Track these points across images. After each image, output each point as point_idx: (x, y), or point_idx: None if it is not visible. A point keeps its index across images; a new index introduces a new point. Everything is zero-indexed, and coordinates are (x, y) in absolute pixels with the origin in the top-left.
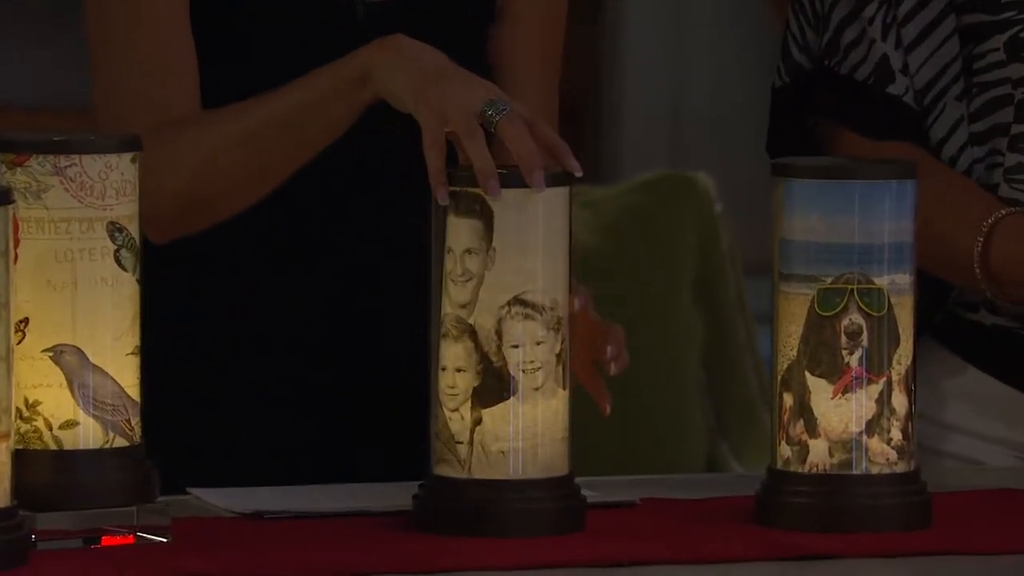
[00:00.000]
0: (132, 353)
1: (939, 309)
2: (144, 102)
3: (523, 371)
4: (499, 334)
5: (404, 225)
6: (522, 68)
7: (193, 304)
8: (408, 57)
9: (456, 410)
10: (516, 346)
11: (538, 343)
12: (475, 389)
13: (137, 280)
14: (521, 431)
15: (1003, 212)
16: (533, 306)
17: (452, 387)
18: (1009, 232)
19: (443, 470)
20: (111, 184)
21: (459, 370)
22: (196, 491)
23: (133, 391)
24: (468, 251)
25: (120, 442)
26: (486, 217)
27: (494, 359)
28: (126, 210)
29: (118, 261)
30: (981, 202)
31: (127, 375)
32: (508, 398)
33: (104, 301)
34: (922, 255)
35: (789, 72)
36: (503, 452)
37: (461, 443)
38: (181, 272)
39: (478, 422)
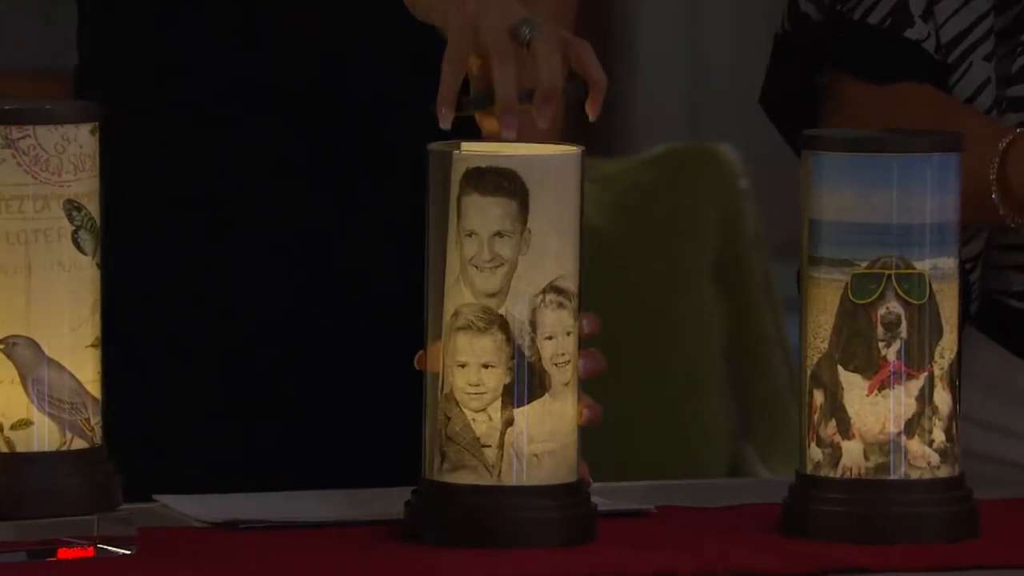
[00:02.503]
0: (92, 345)
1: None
2: None
3: (555, 365)
4: (533, 325)
5: (392, 212)
6: None
7: (163, 295)
8: None
9: (483, 410)
10: (550, 338)
11: (568, 333)
12: (506, 386)
13: (97, 264)
14: (554, 431)
15: (1020, 130)
16: (565, 293)
17: (476, 385)
18: None
19: (462, 477)
20: (68, 158)
21: (486, 366)
22: (163, 498)
23: (93, 387)
24: (498, 234)
25: (79, 444)
26: (520, 195)
27: (528, 353)
28: (85, 187)
29: (76, 243)
30: (994, 127)
31: (87, 369)
32: (543, 395)
33: (61, 287)
34: None
35: (793, 22)
36: (536, 455)
37: (489, 447)
38: (153, 262)
39: (510, 423)
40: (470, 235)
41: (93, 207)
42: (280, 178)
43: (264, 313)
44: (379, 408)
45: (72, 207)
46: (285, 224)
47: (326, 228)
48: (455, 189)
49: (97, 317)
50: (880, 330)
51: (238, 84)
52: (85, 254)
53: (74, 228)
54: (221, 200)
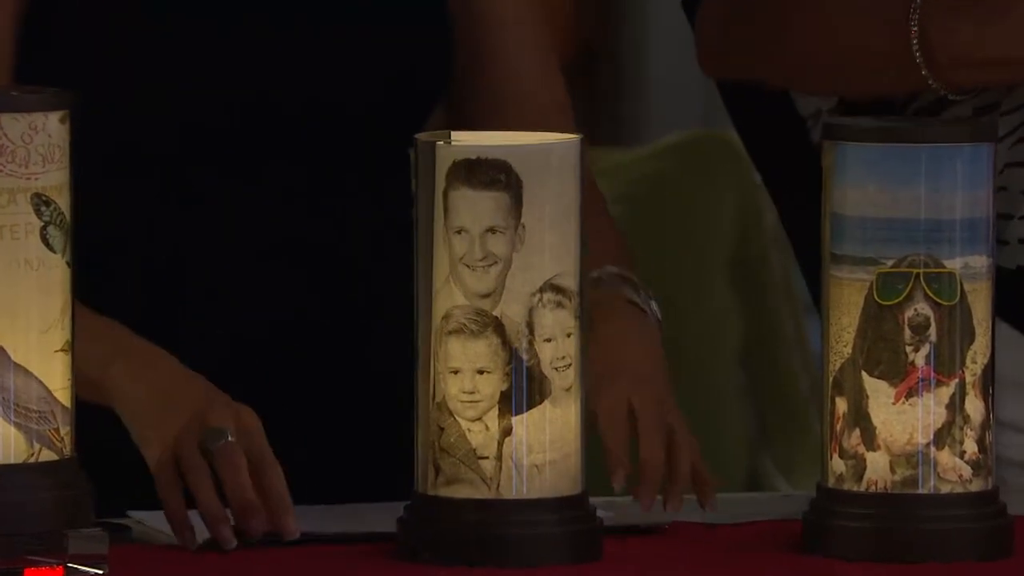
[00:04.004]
0: (62, 350)
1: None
2: None
3: (555, 369)
4: (530, 327)
5: (392, 214)
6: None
7: (151, 299)
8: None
9: (478, 419)
10: (549, 340)
11: (568, 335)
12: (503, 393)
13: (68, 263)
14: (556, 441)
15: None
16: (565, 292)
17: (471, 392)
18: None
19: (458, 491)
20: (36, 149)
21: (481, 372)
22: (138, 514)
23: (63, 395)
24: (491, 230)
25: (47, 455)
26: (513, 189)
27: (526, 356)
28: (54, 180)
29: (45, 240)
30: None
31: (56, 376)
32: (542, 402)
33: (28, 287)
34: (851, 68)
35: None
36: (537, 466)
37: (486, 458)
38: (142, 263)
39: (508, 432)
40: (460, 232)
41: (63, 201)
42: (277, 180)
43: (256, 318)
44: (373, 417)
45: (40, 201)
46: (281, 226)
47: (323, 231)
48: (443, 183)
49: (68, 319)
50: (908, 333)
51: (237, 82)
52: (54, 252)
53: (43, 224)
54: (212, 201)
